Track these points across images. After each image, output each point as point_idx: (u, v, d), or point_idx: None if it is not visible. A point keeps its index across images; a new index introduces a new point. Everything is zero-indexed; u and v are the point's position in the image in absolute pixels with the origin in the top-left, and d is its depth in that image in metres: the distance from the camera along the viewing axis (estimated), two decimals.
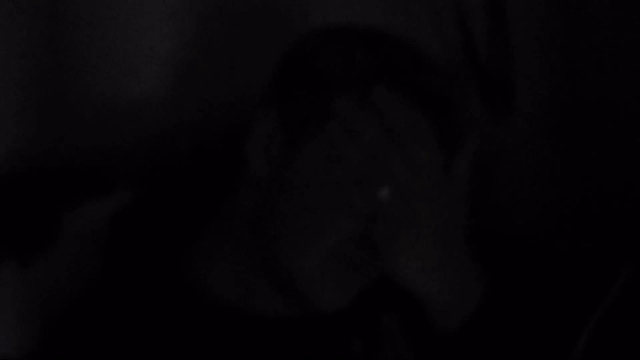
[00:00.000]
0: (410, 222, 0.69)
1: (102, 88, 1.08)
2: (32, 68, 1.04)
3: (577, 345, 0.77)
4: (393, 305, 0.82)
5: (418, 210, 0.69)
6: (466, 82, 1.31)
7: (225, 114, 1.06)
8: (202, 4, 1.09)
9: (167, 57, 1.08)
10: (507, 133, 1.36)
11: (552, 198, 1.40)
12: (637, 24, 1.30)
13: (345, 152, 0.71)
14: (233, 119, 0.94)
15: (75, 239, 0.93)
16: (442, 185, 0.71)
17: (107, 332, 0.83)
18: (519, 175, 1.39)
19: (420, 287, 0.71)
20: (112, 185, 0.96)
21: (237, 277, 0.82)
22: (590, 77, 1.38)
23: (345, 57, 0.76)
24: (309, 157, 0.75)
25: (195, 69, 1.09)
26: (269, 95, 0.80)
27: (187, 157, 1.00)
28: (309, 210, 0.73)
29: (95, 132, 1.08)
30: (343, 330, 0.81)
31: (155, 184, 0.96)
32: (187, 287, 0.84)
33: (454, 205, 0.71)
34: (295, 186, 0.75)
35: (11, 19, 1.01)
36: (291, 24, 1.10)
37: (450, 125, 0.75)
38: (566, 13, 1.37)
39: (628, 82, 1.31)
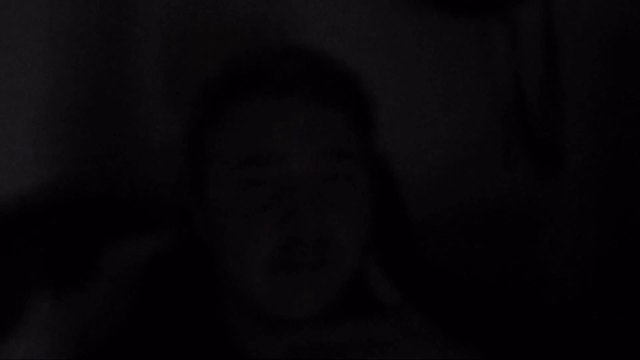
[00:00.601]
0: None
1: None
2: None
3: None
4: None
5: None
6: (516, 142, 1.31)
7: None
8: None
9: None
10: (553, 195, 1.37)
11: (591, 259, 1.41)
12: None
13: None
14: None
15: (112, 276, 0.91)
16: None
17: None
18: (562, 236, 1.40)
19: None
20: (154, 222, 0.94)
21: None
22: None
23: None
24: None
25: None
26: None
27: None
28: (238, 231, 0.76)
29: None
30: None
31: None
32: (218, 336, 0.82)
33: None
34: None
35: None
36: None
37: None
38: (618, 80, 1.39)
39: None
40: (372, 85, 0.85)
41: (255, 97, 0.78)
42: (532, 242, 1.39)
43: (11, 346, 0.88)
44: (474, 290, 0.91)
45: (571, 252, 1.41)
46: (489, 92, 1.32)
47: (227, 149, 0.78)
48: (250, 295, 0.77)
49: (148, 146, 1.07)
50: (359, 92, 0.83)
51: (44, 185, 0.99)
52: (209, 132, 0.80)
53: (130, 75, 1.07)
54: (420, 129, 1.28)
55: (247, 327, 0.81)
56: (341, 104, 0.80)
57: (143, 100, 1.08)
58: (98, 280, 0.91)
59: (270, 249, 0.74)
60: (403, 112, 1.25)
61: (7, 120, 1.00)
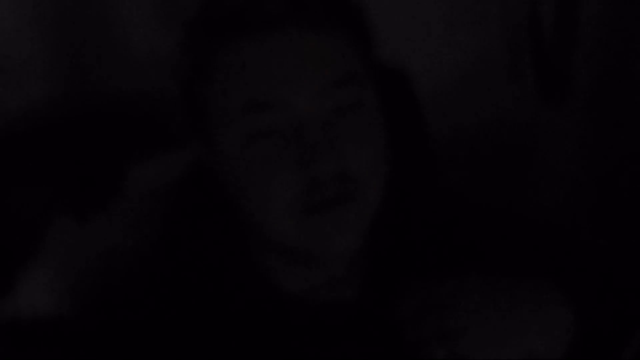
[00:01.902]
0: None
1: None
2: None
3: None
4: None
5: None
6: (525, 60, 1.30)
7: None
8: None
9: None
10: (557, 118, 1.37)
11: (587, 183, 1.43)
12: None
13: None
14: None
15: (138, 197, 0.85)
16: None
17: (161, 300, 0.76)
18: (561, 157, 1.42)
19: None
20: (180, 139, 0.87)
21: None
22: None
23: None
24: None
25: None
26: None
27: None
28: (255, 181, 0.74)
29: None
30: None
31: None
32: (249, 266, 0.78)
33: None
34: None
35: None
36: None
37: None
38: (631, 19, 1.37)
39: None
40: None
41: (244, 38, 0.72)
42: (529, 163, 1.40)
43: (33, 272, 0.81)
44: (486, 214, 0.89)
45: (567, 174, 1.43)
46: (503, 9, 1.30)
47: (226, 100, 0.73)
48: (279, 237, 0.74)
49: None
50: (353, 10, 0.77)
51: (51, 100, 0.92)
52: (201, 80, 0.75)
53: None
54: (429, 45, 1.26)
55: (275, 262, 0.78)
56: (337, 27, 0.75)
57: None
58: (122, 201, 0.85)
59: (292, 194, 0.72)
60: (411, 28, 1.23)
61: None
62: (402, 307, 0.74)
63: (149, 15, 1.01)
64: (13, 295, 0.82)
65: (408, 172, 0.93)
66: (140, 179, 0.86)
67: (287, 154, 0.71)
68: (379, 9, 0.82)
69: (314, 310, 0.77)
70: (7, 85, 0.94)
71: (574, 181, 1.46)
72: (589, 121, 1.44)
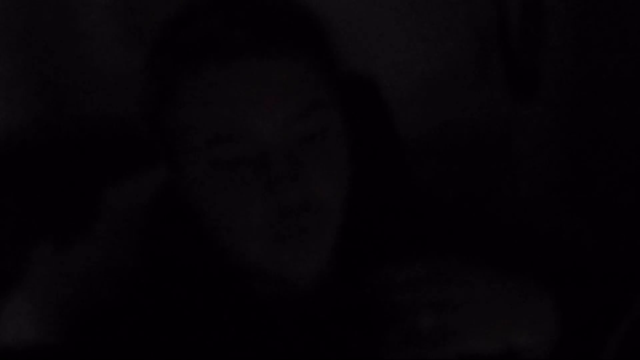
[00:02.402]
0: None
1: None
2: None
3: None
4: None
5: None
6: (494, 62, 1.32)
7: None
8: None
9: None
10: (527, 114, 1.39)
11: (559, 178, 1.45)
12: None
13: None
14: None
15: (115, 217, 0.85)
16: None
17: (145, 317, 0.77)
18: (534, 153, 1.44)
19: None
20: (154, 159, 0.88)
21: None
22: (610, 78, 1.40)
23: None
24: None
25: None
26: None
27: None
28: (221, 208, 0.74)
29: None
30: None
31: None
32: (225, 277, 0.79)
33: None
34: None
35: None
36: None
37: None
38: (598, 14, 1.39)
39: None
40: (349, 7, 0.80)
41: (208, 65, 0.72)
42: (503, 161, 1.41)
43: (17, 302, 0.81)
44: (459, 213, 0.90)
45: (541, 172, 1.44)
46: (470, 10, 1.32)
47: (190, 128, 0.73)
48: (247, 260, 0.75)
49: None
50: (317, 33, 0.78)
51: (22, 127, 0.92)
52: (165, 107, 0.75)
53: None
54: (398, 50, 1.27)
55: (249, 275, 0.78)
56: (301, 54, 0.75)
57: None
58: (100, 223, 0.85)
59: (261, 220, 0.72)
60: (378, 32, 1.24)
61: None
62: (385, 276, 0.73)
63: (118, 37, 1.02)
64: None
65: (378, 177, 0.94)
66: (116, 200, 0.86)
67: (254, 182, 0.72)
68: (344, 19, 0.82)
69: (288, 313, 0.78)
70: None
71: (550, 173, 1.47)
72: (560, 115, 1.45)
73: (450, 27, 1.31)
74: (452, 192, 1.22)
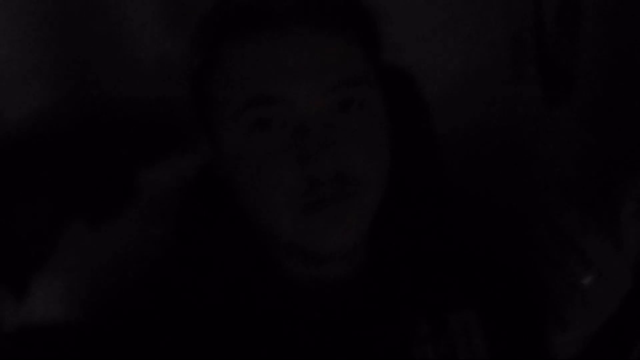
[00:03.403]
0: None
1: None
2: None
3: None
4: (470, 303, 0.80)
5: None
6: (532, 62, 1.31)
7: None
8: None
9: None
10: (561, 115, 1.36)
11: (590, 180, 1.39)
12: None
13: None
14: None
15: (149, 199, 0.85)
16: None
17: (178, 300, 0.77)
18: (565, 155, 1.40)
19: None
20: (190, 141, 0.87)
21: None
22: None
23: None
24: None
25: None
26: None
27: None
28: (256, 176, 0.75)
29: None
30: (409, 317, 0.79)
31: None
32: (260, 262, 0.79)
33: None
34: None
35: None
36: None
37: None
38: (635, 17, 1.37)
39: None
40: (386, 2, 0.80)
41: (252, 34, 0.73)
42: (533, 161, 1.40)
43: (47, 278, 0.81)
44: (491, 210, 0.92)
45: (571, 172, 1.43)
46: (507, 9, 1.30)
47: (232, 92, 0.74)
48: (277, 232, 0.75)
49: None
50: (361, 11, 0.78)
51: (59, 108, 0.92)
52: (210, 75, 0.76)
53: None
54: (433, 45, 1.26)
55: (282, 256, 0.79)
56: (345, 28, 0.76)
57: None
58: (135, 204, 0.85)
59: (291, 191, 0.73)
60: (417, 30, 1.22)
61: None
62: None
63: (155, 20, 1.01)
64: (27, 301, 0.82)
65: (413, 171, 0.94)
66: (151, 183, 0.86)
67: (288, 150, 0.72)
68: (386, 12, 0.82)
69: (321, 300, 0.78)
70: (14, 94, 0.94)
71: (578, 178, 1.46)
72: (593, 119, 1.44)
73: (486, 25, 1.30)
74: (479, 187, 1.22)
